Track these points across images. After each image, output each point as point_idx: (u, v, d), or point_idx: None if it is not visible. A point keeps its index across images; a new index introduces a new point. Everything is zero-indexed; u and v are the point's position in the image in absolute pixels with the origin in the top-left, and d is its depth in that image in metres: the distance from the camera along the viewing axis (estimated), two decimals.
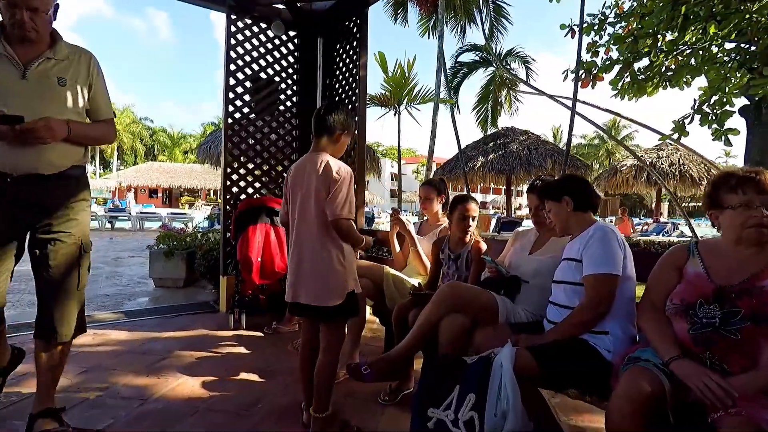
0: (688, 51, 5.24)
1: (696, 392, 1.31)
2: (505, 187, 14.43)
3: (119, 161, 45.50)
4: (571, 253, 1.83)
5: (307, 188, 1.88)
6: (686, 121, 4.96)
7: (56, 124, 1.73)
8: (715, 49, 5.26)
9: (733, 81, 5.16)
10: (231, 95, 4.14)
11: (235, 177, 4.19)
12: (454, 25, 14.92)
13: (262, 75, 4.34)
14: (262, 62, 4.31)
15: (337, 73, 4.49)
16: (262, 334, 3.43)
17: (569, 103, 8.43)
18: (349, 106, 4.13)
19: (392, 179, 40.51)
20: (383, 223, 16.75)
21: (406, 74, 8.01)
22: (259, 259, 3.38)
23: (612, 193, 16.35)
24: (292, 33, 4.49)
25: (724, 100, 4.94)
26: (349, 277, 1.90)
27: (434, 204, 2.95)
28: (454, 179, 13.22)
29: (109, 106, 2.01)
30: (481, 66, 15.66)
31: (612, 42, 5.42)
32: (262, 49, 4.30)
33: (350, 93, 4.24)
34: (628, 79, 5.50)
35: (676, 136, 5.03)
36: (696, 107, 4.93)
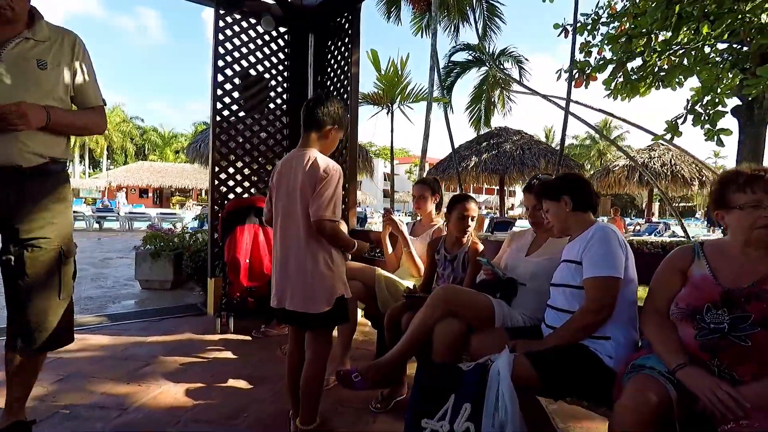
0: (681, 51, 5.22)
1: (705, 402, 1.24)
2: (498, 187, 14.41)
3: (109, 161, 44.97)
4: (571, 254, 1.76)
5: (292, 186, 1.78)
6: (679, 121, 4.95)
7: (32, 109, 1.54)
8: (707, 49, 5.25)
9: (725, 81, 5.16)
10: (219, 92, 4.03)
11: (223, 176, 4.08)
12: (447, 25, 14.86)
13: (252, 72, 4.23)
14: (252, 59, 4.21)
15: (329, 70, 4.40)
16: (250, 338, 3.33)
17: (562, 102, 8.40)
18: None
19: (385, 179, 40.43)
20: (376, 223, 16.65)
21: (399, 72, 7.92)
22: (248, 261, 3.27)
23: (604, 193, 16.41)
24: (282, 29, 4.38)
25: (717, 100, 4.94)
26: (338, 281, 1.80)
27: (428, 203, 2.87)
28: (448, 179, 13.16)
29: (98, 92, 1.82)
30: (474, 65, 15.63)
31: (606, 42, 5.39)
32: (251, 45, 4.19)
33: (342, 90, 4.15)
34: (621, 79, 5.48)
35: (668, 136, 5.01)
36: (689, 107, 4.92)
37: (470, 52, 15.37)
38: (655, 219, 18.75)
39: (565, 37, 6.58)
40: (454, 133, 12.26)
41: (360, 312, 2.86)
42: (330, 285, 1.77)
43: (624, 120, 9.43)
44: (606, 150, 40.14)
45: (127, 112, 44.98)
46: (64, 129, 1.70)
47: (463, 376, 1.63)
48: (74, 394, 2.28)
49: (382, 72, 8.00)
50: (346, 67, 4.14)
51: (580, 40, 5.96)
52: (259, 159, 4.24)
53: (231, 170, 4.13)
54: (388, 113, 8.94)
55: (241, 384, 2.50)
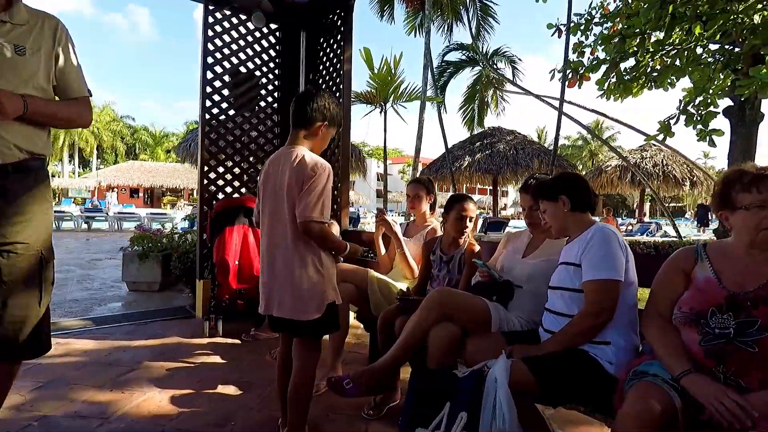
0: (673, 52, 5.22)
1: (711, 411, 1.19)
2: (491, 187, 14.39)
3: (99, 160, 44.45)
4: (569, 256, 1.70)
5: (279, 185, 1.69)
6: (672, 121, 4.96)
7: (7, 97, 1.40)
8: (699, 50, 5.26)
9: (716, 82, 5.17)
10: (209, 90, 3.94)
11: (212, 176, 3.98)
12: (440, 24, 14.83)
13: (242, 69, 4.14)
14: (242, 56, 4.12)
15: (321, 67, 4.32)
16: (240, 342, 3.25)
17: (555, 102, 8.40)
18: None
19: (378, 179, 40.37)
20: (369, 224, 16.57)
21: (393, 71, 7.86)
22: (237, 263, 3.19)
23: (596, 193, 16.46)
24: (273, 25, 4.30)
25: (709, 101, 4.95)
26: (328, 286, 1.71)
27: (423, 203, 2.80)
28: (441, 179, 13.13)
29: (82, 82, 1.67)
30: (467, 65, 15.60)
31: (599, 42, 5.37)
32: (241, 42, 4.11)
33: (334, 88, 4.07)
34: (614, 80, 5.47)
35: (661, 137, 5.02)
36: (681, 108, 4.93)
37: (464, 51, 15.34)
38: (646, 219, 18.87)
39: (559, 37, 6.57)
40: (448, 133, 12.22)
41: (352, 315, 2.79)
42: (320, 291, 1.68)
43: (617, 120, 9.46)
44: (598, 150, 40.43)
45: (117, 111, 44.59)
46: (44, 120, 1.56)
47: (458, 383, 1.57)
48: (54, 402, 2.19)
49: (375, 71, 7.93)
50: (339, 65, 4.07)
51: (573, 40, 5.95)
52: (250, 158, 4.16)
53: (221, 169, 4.04)
54: (381, 112, 8.87)
55: (229, 390, 2.42)
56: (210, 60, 3.94)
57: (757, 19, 4.58)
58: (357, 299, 2.59)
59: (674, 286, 1.45)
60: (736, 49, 5.14)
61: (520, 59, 15.84)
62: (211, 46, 3.93)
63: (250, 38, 4.15)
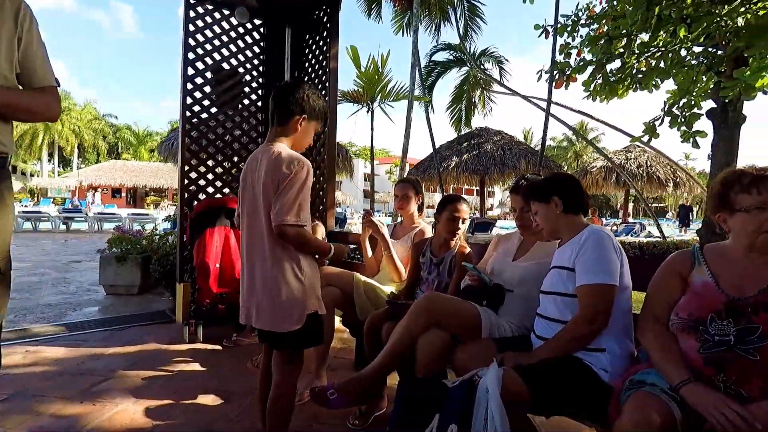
0: (658, 54, 5.25)
1: (712, 422, 1.14)
2: (478, 187, 14.42)
3: (80, 159, 43.48)
4: (562, 260, 1.64)
5: (257, 185, 1.59)
6: (656, 123, 4.99)
7: None
8: (683, 52, 5.30)
9: (699, 85, 5.22)
10: (189, 86, 3.81)
11: (193, 175, 3.85)
12: (428, 24, 14.80)
13: (225, 65, 4.02)
14: (225, 51, 4.00)
15: (306, 65, 4.23)
16: (221, 348, 3.13)
17: (542, 103, 8.41)
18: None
19: (365, 179, 40.27)
20: (356, 224, 16.47)
21: (380, 70, 7.77)
22: (218, 266, 3.08)
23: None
24: (257, 21, 4.19)
25: (693, 102, 5.00)
26: (310, 295, 1.58)
27: (412, 203, 2.73)
28: (428, 179, 13.10)
29: (49, 70, 1.51)
30: (455, 65, 15.61)
31: (586, 43, 5.38)
32: (224, 38, 3.98)
33: (320, 86, 3.98)
34: (600, 81, 5.49)
35: (646, 138, 5.05)
36: (666, 109, 4.97)
37: (451, 51, 15.34)
38: (630, 219, 19.13)
39: (546, 37, 6.57)
40: (435, 134, 12.20)
41: (337, 319, 2.70)
42: (300, 300, 1.55)
43: (602, 122, 9.53)
44: (582, 151, 40.92)
45: (99, 109, 43.64)
46: (6, 111, 1.41)
47: (448, 394, 1.49)
48: (18, 416, 2.05)
49: (362, 69, 7.83)
50: (325, 62, 3.98)
51: (560, 41, 5.96)
52: (233, 157, 4.03)
53: (202, 169, 3.91)
54: (368, 111, 8.78)
55: (208, 399, 2.31)
56: (191, 56, 3.81)
57: (740, 21, 4.62)
58: (342, 303, 2.50)
59: (671, 290, 1.40)
60: (719, 52, 5.19)
61: (507, 60, 15.93)
62: (192, 42, 3.80)
63: (233, 34, 4.03)
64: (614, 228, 14.80)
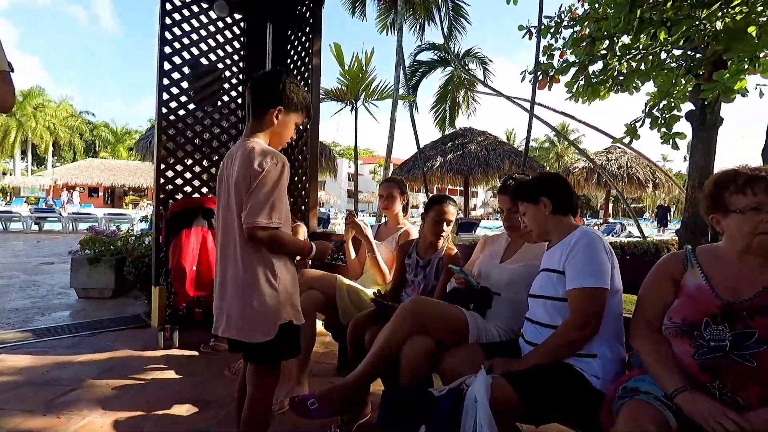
0: (639, 56, 5.31)
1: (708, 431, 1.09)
2: (462, 188, 14.45)
3: (55, 158, 42.21)
4: (552, 263, 1.59)
5: (230, 183, 1.48)
6: (637, 124, 5.05)
7: None
8: (663, 55, 5.37)
9: (678, 87, 5.31)
10: (166, 81, 3.66)
11: (170, 174, 3.70)
12: (413, 23, 14.76)
13: (203, 61, 3.88)
14: (203, 46, 3.85)
15: (288, 61, 4.13)
16: (198, 353, 3.00)
17: (525, 104, 8.45)
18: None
19: (349, 179, 40.12)
20: (339, 224, 16.34)
21: (364, 68, 7.67)
22: (194, 268, 2.95)
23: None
24: (237, 16, 4.06)
25: (672, 104, 5.07)
26: (284, 304, 1.46)
27: (397, 203, 2.66)
28: (413, 179, 13.06)
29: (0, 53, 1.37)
30: (439, 65, 15.61)
31: (569, 44, 5.41)
32: (202, 32, 3.84)
33: (302, 83, 3.87)
34: (582, 82, 5.52)
35: (627, 139, 5.11)
36: (647, 111, 5.03)
37: (435, 51, 15.34)
38: (611, 220, 19.45)
39: (530, 38, 6.59)
40: (419, 134, 12.16)
41: (320, 323, 2.61)
42: (272, 309, 1.43)
43: (584, 123, 9.63)
44: (564, 152, 41.57)
45: (75, 106, 42.48)
46: None
47: (435, 403, 1.43)
48: None
49: (346, 67, 7.73)
50: (307, 59, 3.89)
51: (543, 42, 5.99)
52: (211, 156, 3.90)
53: (179, 168, 3.76)
54: (351, 110, 8.67)
55: (183, 410, 2.20)
56: (168, 50, 3.66)
57: (719, 25, 4.69)
58: (324, 307, 2.42)
59: (663, 293, 1.36)
60: (698, 55, 5.28)
61: (491, 60, 16.00)
62: (168, 35, 3.66)
63: (212, 28, 3.90)
64: (595, 228, 15.03)
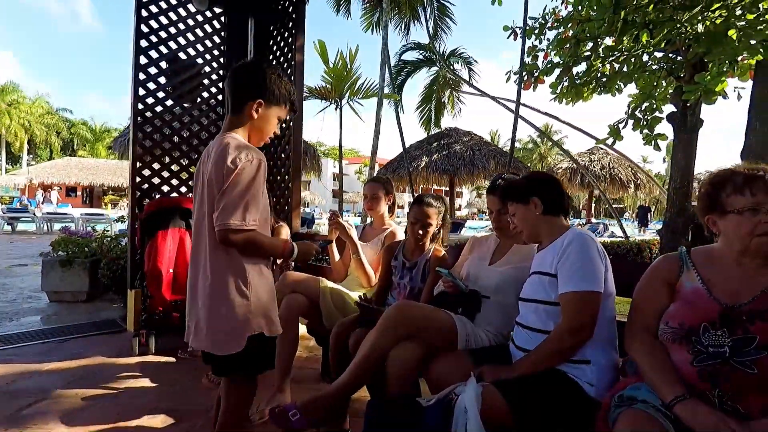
0: (622, 58, 5.36)
1: None
2: (447, 188, 14.46)
3: (30, 156, 40.97)
4: (543, 265, 1.53)
5: (204, 182, 1.39)
6: (620, 125, 5.10)
7: None
8: (645, 57, 5.43)
9: (660, 89, 5.37)
10: (142, 76, 3.51)
11: (146, 173, 3.55)
12: (398, 22, 14.71)
13: (182, 55, 3.74)
14: (182, 40, 3.71)
15: (271, 57, 4.01)
16: (175, 360, 2.88)
17: (511, 105, 8.47)
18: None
19: (334, 179, 39.92)
20: (324, 224, 16.20)
21: (348, 66, 7.55)
22: (171, 271, 2.83)
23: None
24: (217, 9, 3.93)
25: (654, 106, 5.12)
26: (255, 313, 1.35)
27: (381, 204, 2.58)
28: (398, 179, 13.01)
29: None
30: (425, 65, 15.59)
31: (555, 45, 5.42)
32: (181, 26, 3.70)
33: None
34: (566, 83, 5.55)
35: (611, 140, 5.14)
36: (629, 113, 5.08)
37: (421, 51, 15.32)
38: (593, 220, 19.73)
39: (515, 39, 6.59)
40: (404, 134, 12.11)
41: (304, 327, 2.52)
42: (240, 318, 1.33)
43: (568, 124, 9.71)
44: (547, 153, 42.08)
45: (52, 103, 41.24)
46: None
47: (423, 414, 1.36)
48: None
49: (330, 65, 7.60)
50: (290, 54, 3.78)
51: (528, 43, 6.01)
52: (190, 154, 3.76)
53: (156, 166, 3.61)
54: (336, 109, 8.56)
55: (157, 421, 2.08)
56: (144, 43, 3.51)
57: (700, 28, 4.75)
58: (307, 311, 2.32)
59: (659, 295, 1.31)
60: (679, 58, 5.35)
61: (476, 61, 16.05)
62: (145, 28, 3.51)
63: (191, 22, 3.76)
64: (579, 228, 15.18)
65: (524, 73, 6.11)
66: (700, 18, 4.64)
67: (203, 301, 1.36)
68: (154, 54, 3.56)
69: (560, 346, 1.40)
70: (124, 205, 27.94)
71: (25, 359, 2.81)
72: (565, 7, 5.74)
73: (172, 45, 3.66)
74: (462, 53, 15.55)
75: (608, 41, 5.15)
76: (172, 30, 3.65)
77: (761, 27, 3.87)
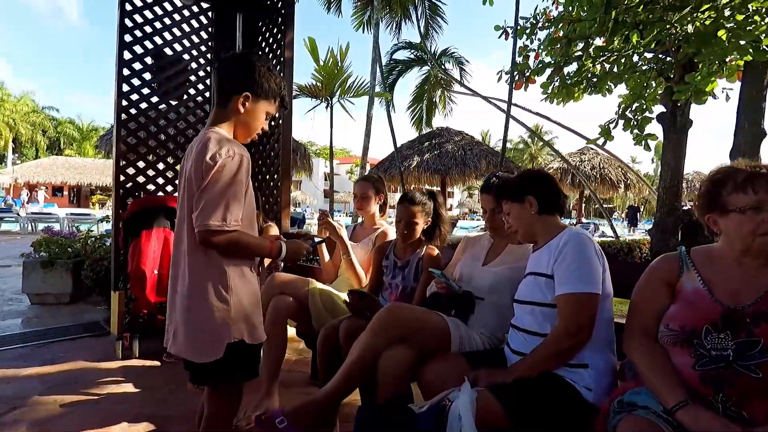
0: (612, 58, 5.37)
1: None
2: (439, 187, 14.43)
3: (15, 155, 40.20)
4: (539, 266, 1.49)
5: (185, 179, 1.32)
6: (611, 125, 5.11)
7: None
8: (636, 57, 5.45)
9: (649, 90, 5.40)
10: (126, 72, 3.41)
11: (131, 171, 3.45)
12: (389, 21, 14.64)
13: (167, 51, 3.65)
14: (167, 35, 3.62)
15: (259, 53, 3.93)
16: (159, 364, 2.79)
17: (502, 105, 8.46)
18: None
19: (325, 179, 39.77)
20: (315, 224, 16.10)
21: (339, 64, 7.48)
22: (156, 272, 2.74)
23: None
24: (205, 5, 3.84)
25: (644, 106, 5.14)
26: (236, 320, 1.28)
27: (372, 203, 2.52)
28: (390, 179, 12.94)
29: None
30: (416, 64, 15.54)
31: (546, 45, 5.42)
32: (166, 20, 3.61)
33: None
34: (557, 83, 5.55)
35: (602, 140, 5.15)
36: (620, 113, 5.10)
37: (412, 50, 15.27)
38: (584, 219, 19.86)
39: (506, 39, 6.60)
40: (396, 133, 12.05)
41: (293, 330, 2.45)
42: (219, 324, 1.26)
43: (559, 124, 9.73)
44: (537, 154, 42.33)
45: (38, 102, 40.54)
46: None
47: (416, 421, 1.30)
48: None
49: (321, 62, 7.52)
50: (279, 51, 3.71)
51: (520, 43, 6.01)
52: (176, 152, 3.66)
53: (141, 164, 3.51)
54: (327, 107, 8.48)
55: (139, 428, 2.00)
56: (128, 38, 3.41)
57: (690, 28, 4.77)
58: (296, 313, 2.25)
59: (659, 296, 1.27)
60: (668, 59, 5.38)
61: (467, 60, 16.04)
62: (129, 23, 3.41)
63: (177, 16, 3.66)
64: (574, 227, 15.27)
65: (515, 73, 6.11)
66: (689, 19, 4.66)
67: (181, 305, 1.29)
68: (138, 49, 3.46)
69: (558, 349, 1.35)
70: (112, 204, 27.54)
71: (3, 364, 2.71)
72: (556, 8, 5.75)
73: (158, 40, 3.56)
74: (453, 53, 15.54)
75: (599, 41, 5.16)
76: (158, 25, 3.55)
77: (750, 28, 3.89)
